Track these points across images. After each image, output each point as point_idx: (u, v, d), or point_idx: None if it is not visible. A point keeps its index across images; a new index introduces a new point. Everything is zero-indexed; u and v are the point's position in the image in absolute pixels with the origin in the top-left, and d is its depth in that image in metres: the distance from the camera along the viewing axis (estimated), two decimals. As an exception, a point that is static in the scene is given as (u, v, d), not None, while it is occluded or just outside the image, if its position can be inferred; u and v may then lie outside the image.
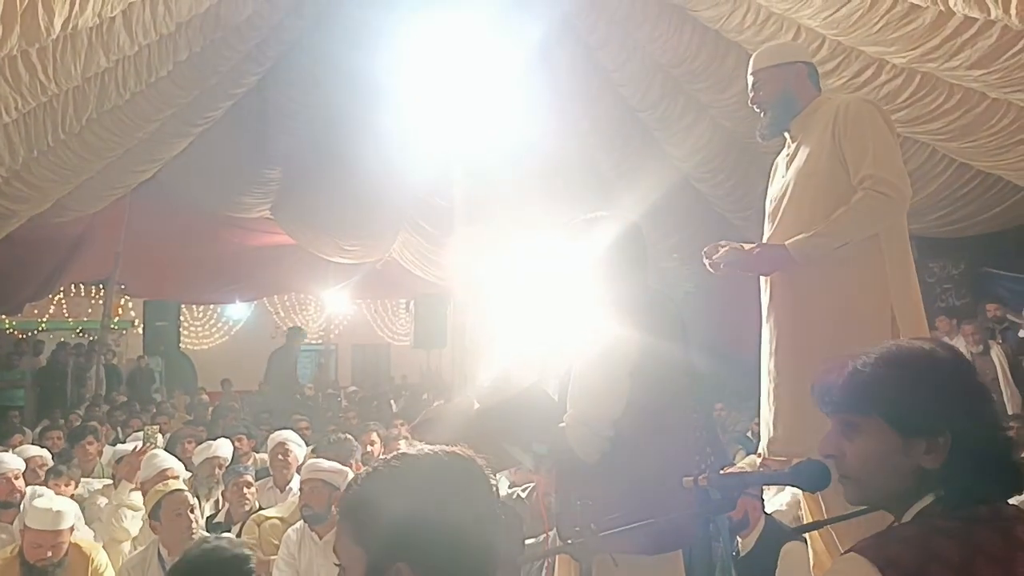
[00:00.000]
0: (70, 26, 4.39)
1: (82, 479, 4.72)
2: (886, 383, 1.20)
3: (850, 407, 1.22)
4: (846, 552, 1.15)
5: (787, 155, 2.45)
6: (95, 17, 4.50)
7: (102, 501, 4.19)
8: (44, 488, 3.90)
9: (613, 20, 6.62)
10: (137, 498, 3.78)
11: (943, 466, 1.17)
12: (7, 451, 4.64)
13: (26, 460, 4.30)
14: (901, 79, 5.14)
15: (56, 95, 5.40)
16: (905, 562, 1.09)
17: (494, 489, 1.12)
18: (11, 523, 3.62)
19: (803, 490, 1.28)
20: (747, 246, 2.36)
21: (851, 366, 1.22)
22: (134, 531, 3.65)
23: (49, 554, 3.07)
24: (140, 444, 4.46)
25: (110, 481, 4.54)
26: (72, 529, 3.20)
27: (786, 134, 2.45)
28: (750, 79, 2.47)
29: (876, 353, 1.23)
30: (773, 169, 2.58)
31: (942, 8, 4.04)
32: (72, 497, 3.91)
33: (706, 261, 2.32)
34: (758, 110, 2.46)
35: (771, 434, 2.26)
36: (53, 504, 3.14)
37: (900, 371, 1.20)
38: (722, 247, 2.34)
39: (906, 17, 4.35)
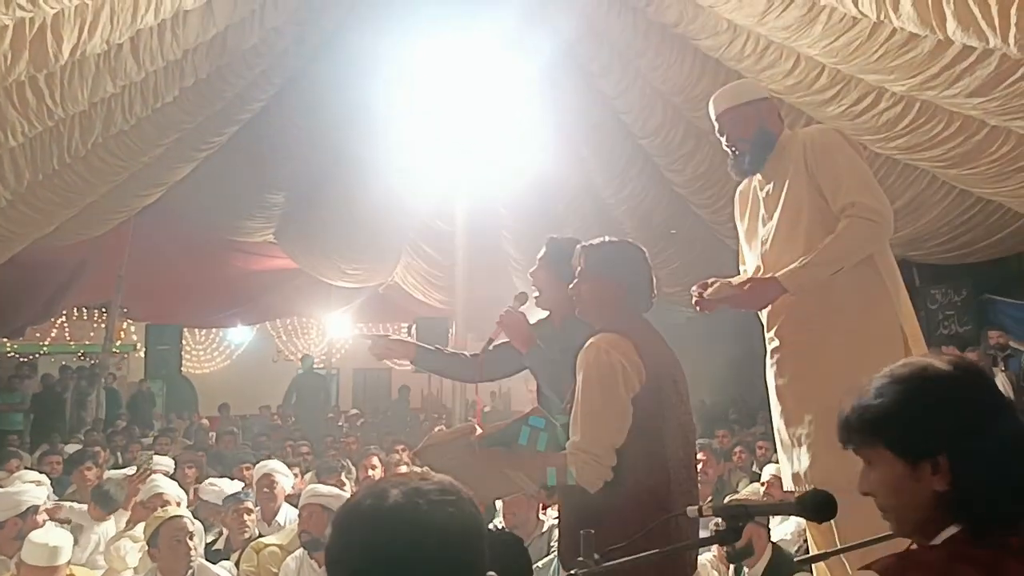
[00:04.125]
0: (78, 52, 4.45)
1: (75, 505, 4.66)
2: (882, 410, 1.17)
3: (859, 441, 1.20)
4: (863, 568, 1.11)
5: (763, 192, 2.45)
6: (103, 43, 4.55)
7: (103, 527, 4.14)
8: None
9: (615, 49, 6.69)
10: (139, 530, 3.73)
11: (953, 488, 1.12)
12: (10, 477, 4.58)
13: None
14: (901, 107, 5.18)
15: (63, 120, 5.44)
16: None
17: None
18: (11, 557, 3.57)
19: (809, 520, 1.27)
20: (735, 280, 2.37)
21: (857, 397, 1.21)
22: (133, 562, 3.60)
23: None
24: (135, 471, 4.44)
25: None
26: (69, 563, 3.15)
27: (759, 171, 2.46)
28: (722, 118, 2.47)
29: (878, 378, 1.20)
30: (739, 201, 2.58)
31: (941, 37, 4.07)
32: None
33: (694, 297, 2.33)
34: (733, 148, 2.46)
35: (795, 468, 2.25)
36: (50, 539, 3.08)
37: (894, 394, 1.17)
38: (711, 283, 2.34)
39: (905, 46, 4.39)
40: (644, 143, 7.49)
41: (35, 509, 3.64)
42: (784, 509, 1.34)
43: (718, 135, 2.50)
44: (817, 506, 1.24)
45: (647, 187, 7.96)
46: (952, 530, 1.14)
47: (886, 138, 5.41)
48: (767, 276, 2.29)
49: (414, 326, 11.85)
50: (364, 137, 7.89)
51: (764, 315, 2.40)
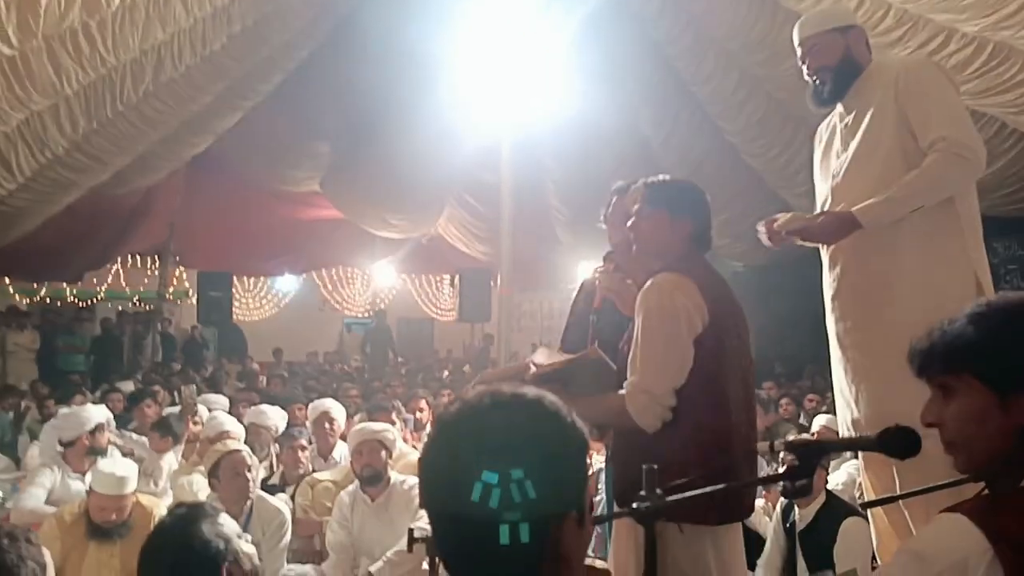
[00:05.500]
0: (129, -2, 4.48)
1: (136, 436, 4.89)
2: (976, 338, 1.14)
3: (941, 368, 1.17)
4: (947, 510, 1.08)
5: (842, 125, 2.34)
6: (153, -12, 4.57)
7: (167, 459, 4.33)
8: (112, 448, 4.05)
9: (667, -9, 6.47)
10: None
11: None
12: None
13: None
14: (972, 48, 4.90)
15: (115, 67, 5.51)
16: (1021, 536, 1.01)
17: None
18: (84, 473, 3.78)
19: (891, 456, 1.23)
20: (808, 215, 2.28)
21: (941, 326, 1.18)
22: (203, 496, 3.76)
23: (113, 516, 3.16)
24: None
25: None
26: (136, 492, 3.29)
27: (839, 101, 2.35)
28: (806, 43, 2.35)
29: (966, 310, 1.17)
30: (818, 139, 2.47)
31: (1021, -29, 3.83)
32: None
33: (762, 232, 2.25)
34: (814, 77, 2.34)
35: (853, 415, 2.19)
36: (117, 469, 3.21)
37: (989, 324, 1.14)
38: (779, 217, 2.26)
39: (981, -18, 4.14)
40: (696, 90, 7.27)
41: (101, 427, 3.85)
42: (862, 445, 1.31)
43: (800, 62, 2.38)
44: (901, 441, 1.20)
45: (697, 136, 7.77)
46: None
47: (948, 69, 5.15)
48: (841, 211, 2.19)
49: (457, 277, 11.98)
50: (409, 86, 7.83)
51: (825, 255, 2.30)
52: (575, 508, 0.93)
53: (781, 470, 1.33)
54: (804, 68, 2.36)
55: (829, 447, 1.30)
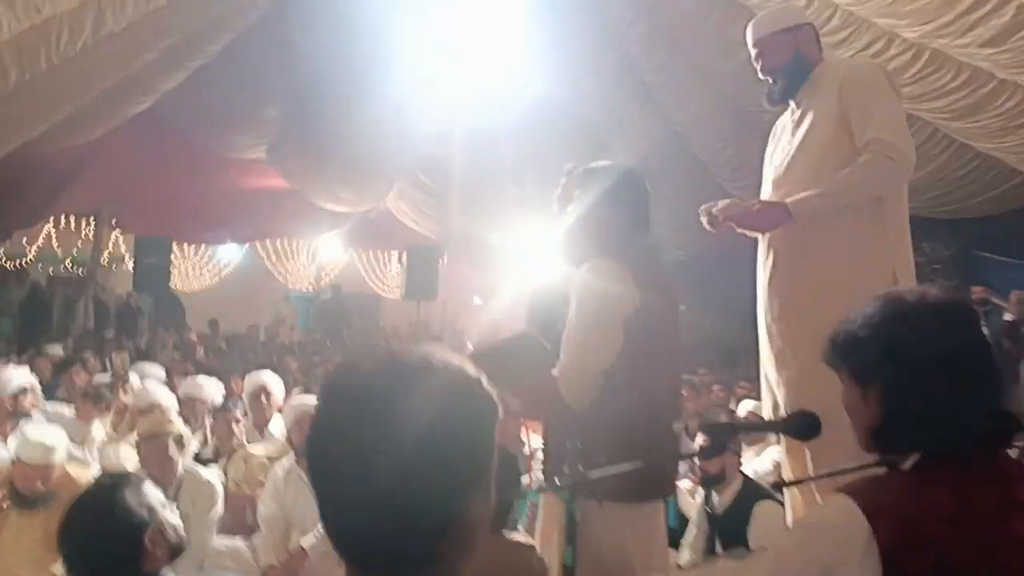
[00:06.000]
0: (66, -56, 4.28)
1: (56, 408, 4.71)
2: (848, 335, 1.23)
3: (834, 360, 1.27)
4: (839, 490, 1.16)
5: (792, 121, 2.44)
6: (93, -64, 4.38)
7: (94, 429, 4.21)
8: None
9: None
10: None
11: (882, 419, 1.17)
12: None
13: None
14: (910, 54, 5.10)
15: (51, 18, 5.27)
16: (896, 513, 1.10)
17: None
18: (5, 437, 3.64)
19: (794, 437, 1.31)
20: (746, 203, 2.36)
21: (845, 320, 1.26)
22: (130, 468, 3.67)
23: (39, 485, 3.06)
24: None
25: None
26: (63, 462, 3.18)
27: (791, 100, 2.44)
28: (758, 45, 2.43)
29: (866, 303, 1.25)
30: (773, 133, 2.57)
31: (958, -18, 3.99)
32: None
33: (703, 217, 2.32)
34: (768, 77, 2.43)
35: (775, 400, 2.28)
36: (44, 438, 3.10)
37: (859, 322, 1.22)
38: (721, 204, 2.34)
39: (921, -10, 4.30)
40: (647, 78, 7.37)
41: (25, 391, 3.70)
42: (770, 427, 1.39)
43: (754, 62, 2.45)
44: (802, 425, 1.28)
45: (646, 125, 7.86)
46: (915, 457, 1.18)
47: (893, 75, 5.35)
48: (776, 201, 2.28)
49: (405, 254, 11.91)
50: (364, 58, 7.69)
51: (762, 245, 2.39)
52: (481, 493, 0.83)
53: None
54: (758, 68, 2.44)
55: (739, 428, 1.38)
